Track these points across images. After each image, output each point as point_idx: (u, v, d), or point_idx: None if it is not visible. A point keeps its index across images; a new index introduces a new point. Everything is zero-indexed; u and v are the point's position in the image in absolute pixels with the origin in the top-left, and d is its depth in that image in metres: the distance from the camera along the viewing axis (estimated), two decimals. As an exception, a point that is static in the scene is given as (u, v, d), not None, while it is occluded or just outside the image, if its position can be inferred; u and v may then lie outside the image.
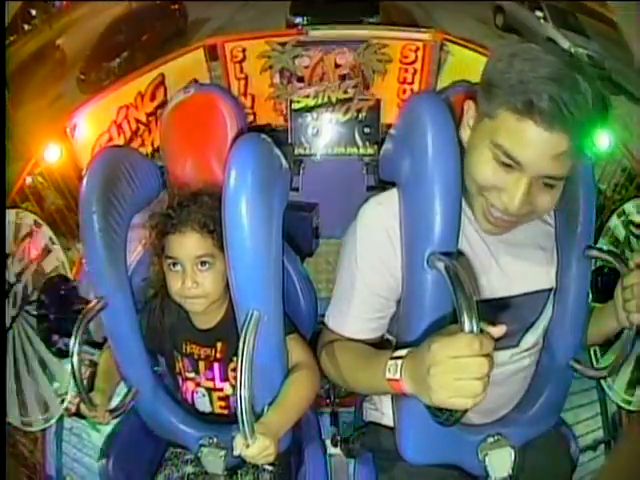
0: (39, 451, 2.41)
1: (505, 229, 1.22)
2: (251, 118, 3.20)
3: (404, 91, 3.19)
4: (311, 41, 3.14)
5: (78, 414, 1.43)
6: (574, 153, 1.08)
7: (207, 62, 3.08)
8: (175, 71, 3.00)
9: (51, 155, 2.55)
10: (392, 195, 1.28)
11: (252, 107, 3.22)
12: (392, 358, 1.10)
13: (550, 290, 1.35)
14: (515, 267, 1.29)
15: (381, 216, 1.28)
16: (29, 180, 2.50)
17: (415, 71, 3.14)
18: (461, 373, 0.92)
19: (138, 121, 2.96)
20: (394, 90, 3.18)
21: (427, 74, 3.12)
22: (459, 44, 2.97)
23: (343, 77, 3.18)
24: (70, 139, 2.68)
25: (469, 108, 1.19)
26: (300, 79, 3.19)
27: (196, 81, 3.05)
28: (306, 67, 3.17)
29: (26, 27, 2.60)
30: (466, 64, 2.85)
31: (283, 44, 3.13)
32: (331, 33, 3.16)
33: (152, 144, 3.03)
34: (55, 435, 2.42)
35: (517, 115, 1.05)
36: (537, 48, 1.07)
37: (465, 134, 1.21)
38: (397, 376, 1.07)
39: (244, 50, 3.13)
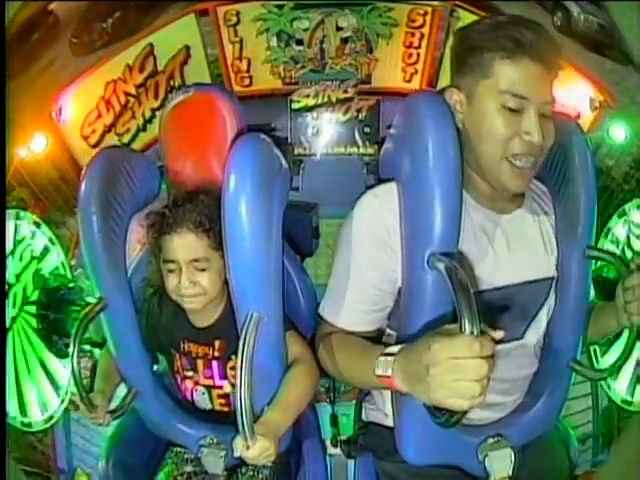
0: (49, 444, 2.55)
1: (530, 179, 1.35)
2: (247, 82, 3.24)
3: (410, 55, 3.20)
4: (310, 4, 3.15)
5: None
6: (554, 75, 1.29)
7: (197, 19, 3.09)
8: (165, 39, 3.01)
9: (37, 145, 2.67)
10: (389, 188, 1.36)
11: (248, 71, 3.24)
12: (383, 354, 1.17)
13: (552, 279, 1.43)
14: (515, 256, 1.38)
15: (378, 209, 1.35)
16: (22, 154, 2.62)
17: (422, 36, 3.15)
18: (459, 374, 0.98)
19: (127, 94, 2.99)
20: (399, 54, 3.18)
21: (435, 39, 3.14)
22: (470, 11, 2.99)
23: (345, 40, 3.20)
24: (57, 123, 2.77)
25: (452, 94, 1.33)
26: (299, 42, 3.22)
27: (188, 48, 3.10)
28: (305, 30, 3.19)
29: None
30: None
31: (280, 6, 3.14)
32: (333, -5, 3.18)
33: (143, 115, 3.08)
34: (63, 427, 2.55)
35: (511, 58, 1.25)
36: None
37: (460, 119, 1.33)
38: (388, 373, 1.13)
39: (238, 13, 3.14)
